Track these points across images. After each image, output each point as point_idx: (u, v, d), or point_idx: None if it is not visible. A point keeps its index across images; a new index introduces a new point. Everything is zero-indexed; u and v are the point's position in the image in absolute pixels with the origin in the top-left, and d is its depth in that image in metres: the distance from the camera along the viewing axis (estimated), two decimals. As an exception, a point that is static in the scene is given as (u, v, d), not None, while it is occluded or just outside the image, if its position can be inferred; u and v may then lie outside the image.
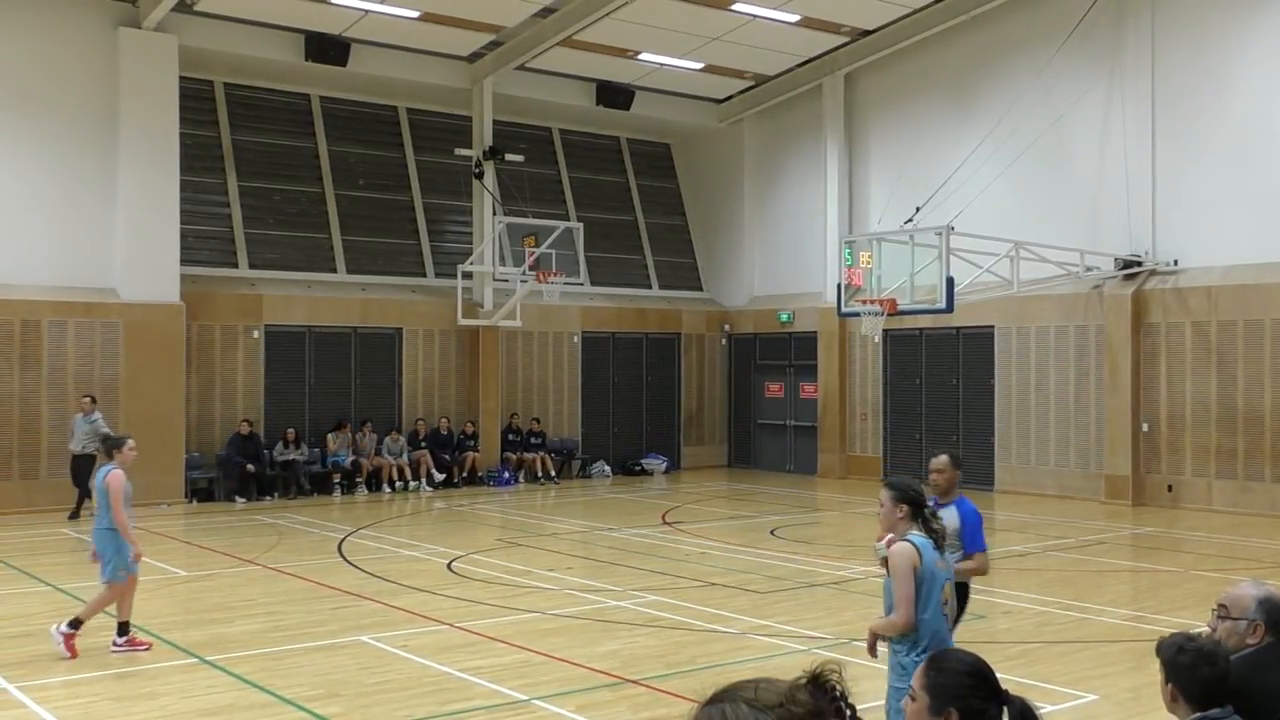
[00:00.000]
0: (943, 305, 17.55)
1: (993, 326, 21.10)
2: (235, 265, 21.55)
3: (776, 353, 25.58)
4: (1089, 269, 19.18)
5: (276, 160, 22.58)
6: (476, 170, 23.40)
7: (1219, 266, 18.30)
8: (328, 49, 21.43)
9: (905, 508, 5.47)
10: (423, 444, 22.17)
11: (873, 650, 5.56)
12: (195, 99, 21.40)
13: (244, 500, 19.70)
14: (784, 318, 25.22)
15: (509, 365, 23.63)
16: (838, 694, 2.01)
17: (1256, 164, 17.90)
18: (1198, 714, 3.93)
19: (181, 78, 20.19)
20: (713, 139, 26.85)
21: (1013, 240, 18.12)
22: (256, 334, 21.20)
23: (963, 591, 7.13)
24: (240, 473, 19.89)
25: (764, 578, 12.75)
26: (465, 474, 22.41)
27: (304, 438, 21.08)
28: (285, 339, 21.47)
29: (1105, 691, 8.14)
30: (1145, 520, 17.35)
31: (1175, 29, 19.00)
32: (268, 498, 19.97)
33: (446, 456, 22.30)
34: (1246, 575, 6.80)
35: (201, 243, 21.24)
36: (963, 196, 20.53)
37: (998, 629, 10.29)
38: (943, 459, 7.38)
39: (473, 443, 22.75)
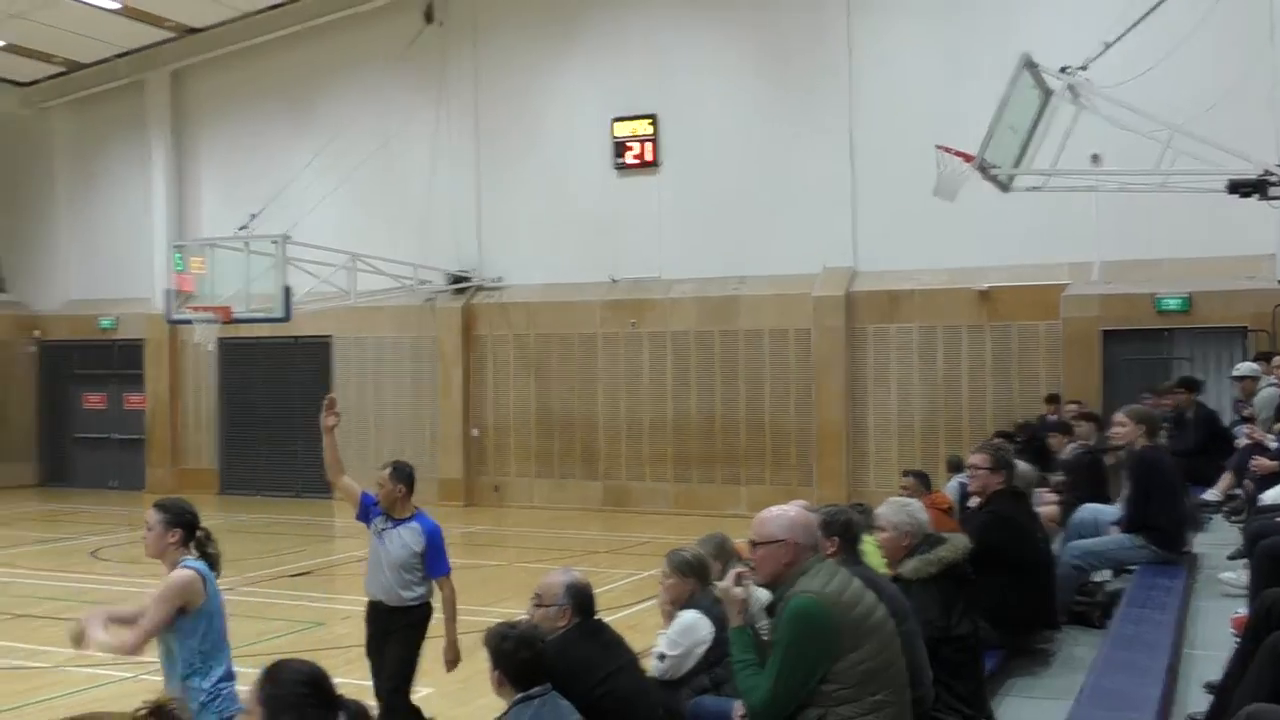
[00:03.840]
0: (280, 314, 17.36)
1: (331, 336, 21.23)
2: None
3: (97, 361, 23.62)
4: (422, 283, 20.02)
5: None
6: None
7: (537, 284, 19.99)
8: None
9: (179, 532, 4.96)
10: None
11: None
12: None
13: None
14: (107, 324, 23.38)
15: None
16: None
17: (566, 193, 19.81)
18: (521, 694, 4.25)
19: None
20: (17, 125, 24.13)
21: (350, 252, 18.39)
22: None
23: None
24: None
25: (84, 603, 11.65)
26: None
27: None
28: None
29: (437, 684, 8.47)
30: (475, 519, 18.44)
31: (494, 63, 20.45)
32: None
33: None
34: (561, 564, 7.46)
35: None
36: (301, 206, 20.44)
37: (337, 635, 10.33)
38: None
39: None
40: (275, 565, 13.88)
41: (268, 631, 10.39)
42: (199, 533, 5.02)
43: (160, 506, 5.04)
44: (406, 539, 6.77)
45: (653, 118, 19.27)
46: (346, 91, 21.36)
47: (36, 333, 24.17)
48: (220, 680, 4.88)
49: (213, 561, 5.01)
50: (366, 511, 6.91)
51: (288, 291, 17.22)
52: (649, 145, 19.33)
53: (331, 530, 18.49)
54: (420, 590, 6.83)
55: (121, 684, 8.60)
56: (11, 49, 21.74)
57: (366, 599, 6.93)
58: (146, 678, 8.49)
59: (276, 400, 21.98)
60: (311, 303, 18.14)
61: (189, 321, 18.64)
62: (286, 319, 17.55)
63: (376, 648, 6.84)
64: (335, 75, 21.53)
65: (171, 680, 4.91)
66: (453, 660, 6.72)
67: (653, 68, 19.31)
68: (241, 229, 18.28)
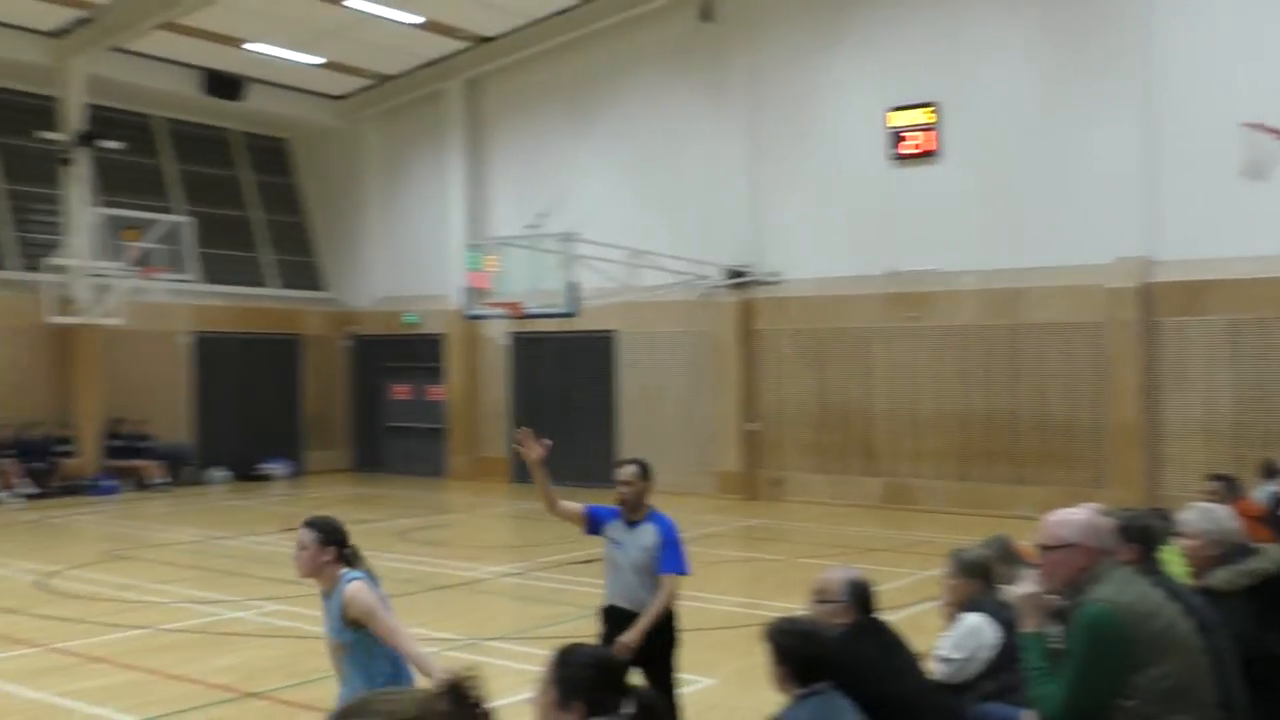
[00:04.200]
0: (567, 309, 18.04)
1: (615, 330, 21.88)
2: None
3: (403, 355, 25.26)
4: (701, 278, 20.32)
5: None
6: (63, 156, 21.37)
7: (815, 278, 19.90)
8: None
9: (333, 549, 4.95)
10: (8, 451, 20.12)
11: None
12: None
13: None
14: (411, 319, 24.97)
15: (109, 366, 21.87)
16: (476, 701, 1.99)
17: (842, 185, 19.61)
18: (803, 690, 4.28)
19: None
20: (334, 136, 26.16)
21: (631, 248, 18.91)
22: None
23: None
24: None
25: (394, 581, 12.45)
26: (61, 483, 20.54)
27: None
28: None
29: (720, 675, 8.63)
30: (755, 513, 18.57)
31: (769, 57, 20.44)
32: None
33: (38, 464, 20.36)
34: (839, 561, 7.44)
35: None
36: (586, 204, 21.23)
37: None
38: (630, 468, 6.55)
39: (67, 449, 20.90)
40: (562, 552, 14.43)
41: (557, 616, 10.86)
42: (348, 549, 5.00)
43: (313, 526, 5.00)
44: (644, 539, 6.41)
45: (933, 105, 18.81)
46: (627, 92, 22.00)
47: (352, 328, 26.14)
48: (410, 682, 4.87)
49: (368, 574, 4.98)
50: (596, 524, 6.57)
51: (573, 287, 17.88)
52: (929, 134, 18.89)
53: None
54: None
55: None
56: (329, 66, 23.58)
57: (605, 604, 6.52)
58: (452, 653, 9.08)
59: (563, 393, 22.85)
60: (595, 298, 18.76)
61: (484, 317, 19.72)
62: (573, 314, 18.21)
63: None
64: (616, 76, 22.18)
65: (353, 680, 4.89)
66: (623, 648, 6.10)
67: (932, 54, 18.84)
68: (529, 228, 19.12)
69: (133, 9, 20.26)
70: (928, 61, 18.84)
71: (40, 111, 21.72)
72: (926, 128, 18.89)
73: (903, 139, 19.09)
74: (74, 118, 21.43)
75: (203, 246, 22.48)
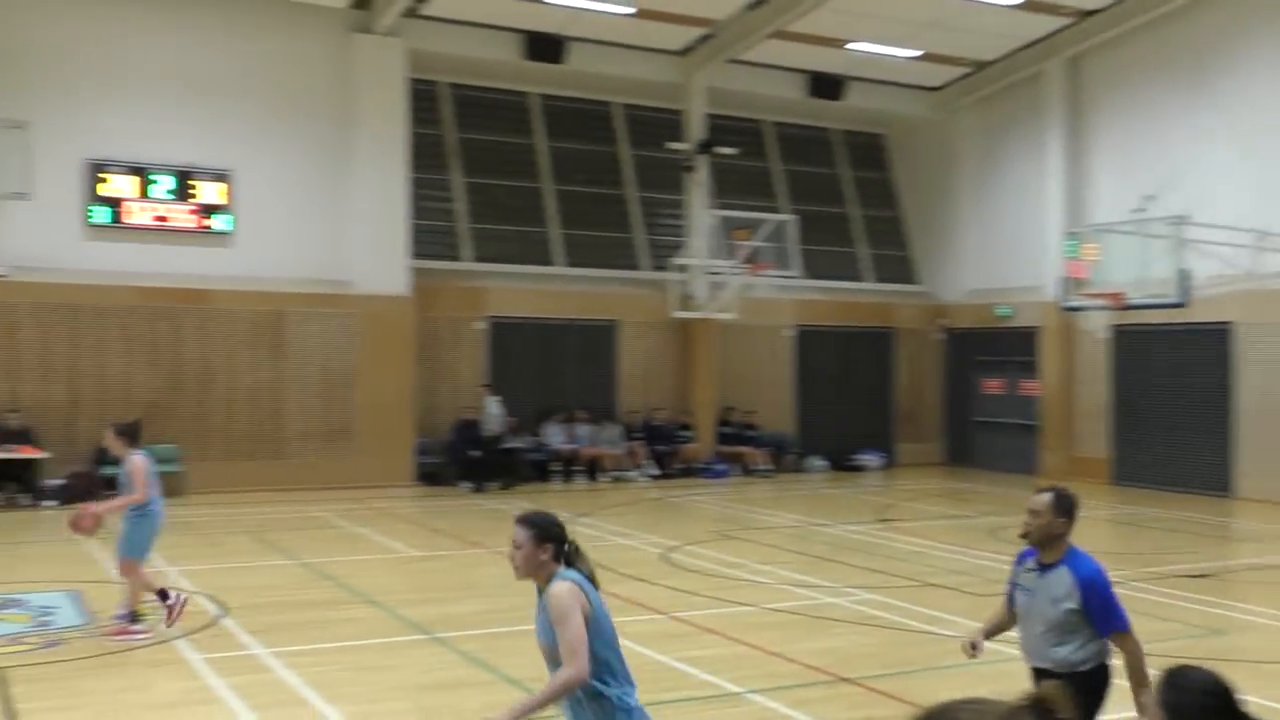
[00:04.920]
0: (1175, 299, 16.74)
1: (1232, 322, 19.86)
2: (461, 259, 22.41)
3: (995, 348, 24.82)
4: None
5: (498, 157, 23.33)
6: (686, 164, 23.56)
7: None
8: (545, 48, 22.05)
9: (550, 547, 4.61)
10: (638, 435, 22.58)
11: None
12: (422, 99, 22.34)
13: (469, 485, 20.46)
14: (1004, 312, 24.46)
15: (722, 358, 23.75)
16: None
17: None
18: None
19: (409, 79, 21.17)
20: (928, 129, 26.29)
21: (1255, 230, 17.07)
22: (481, 325, 22.04)
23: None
24: (465, 458, 20.70)
25: (983, 580, 12.45)
26: (680, 465, 22.67)
27: (525, 427, 21.79)
28: (507, 330, 22.24)
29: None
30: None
31: None
32: (491, 483, 20.61)
33: (662, 447, 22.63)
34: None
35: (431, 237, 22.17)
36: (1200, 184, 19.47)
37: (1239, 645, 9.76)
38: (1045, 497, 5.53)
39: (687, 434, 23.02)
40: (1169, 563, 13.48)
41: (1162, 633, 10.14)
42: (568, 546, 4.67)
43: (527, 522, 4.68)
44: (1057, 588, 5.31)
45: None
46: (1244, 56, 19.83)
47: (943, 321, 26.15)
48: (624, 690, 4.56)
49: (587, 575, 4.64)
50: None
51: (1184, 275, 16.55)
52: None
53: (1228, 531, 17.43)
54: (1089, 650, 5.28)
55: (1011, 663, 9.00)
56: (926, 57, 23.75)
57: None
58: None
59: (1171, 390, 21.19)
60: (1210, 286, 17.22)
61: (1082, 308, 18.85)
62: (1182, 305, 16.89)
63: None
64: (1230, 40, 20.10)
65: (573, 699, 4.57)
66: None
67: None
68: (1135, 212, 17.95)
69: (749, 21, 21.88)
70: None
71: (667, 124, 24.14)
72: None
73: None
74: (695, 128, 23.60)
75: (804, 243, 23.65)
